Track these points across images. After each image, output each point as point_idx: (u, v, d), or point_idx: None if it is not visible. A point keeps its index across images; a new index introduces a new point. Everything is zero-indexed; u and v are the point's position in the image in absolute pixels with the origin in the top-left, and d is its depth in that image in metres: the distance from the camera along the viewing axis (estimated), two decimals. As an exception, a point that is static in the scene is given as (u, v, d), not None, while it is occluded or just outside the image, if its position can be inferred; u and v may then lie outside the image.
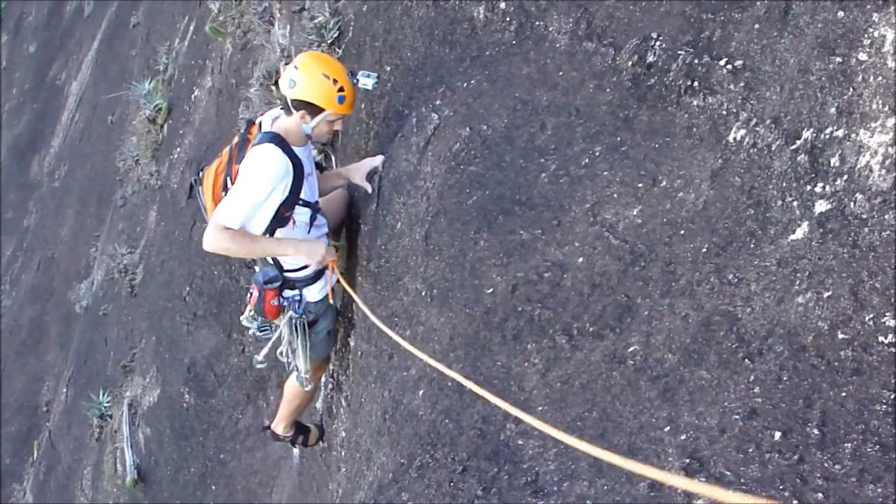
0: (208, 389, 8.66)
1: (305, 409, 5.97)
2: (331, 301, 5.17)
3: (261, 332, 5.16)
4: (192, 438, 8.77)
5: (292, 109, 4.56)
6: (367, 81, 4.67)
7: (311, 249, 4.78)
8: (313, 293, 5.07)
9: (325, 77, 4.51)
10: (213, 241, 4.51)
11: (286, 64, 4.61)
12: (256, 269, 5.16)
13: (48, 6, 21.85)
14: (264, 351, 5.28)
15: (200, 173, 4.81)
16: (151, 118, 12.18)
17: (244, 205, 4.47)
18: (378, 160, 4.99)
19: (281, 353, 5.27)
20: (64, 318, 14.22)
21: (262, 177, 4.48)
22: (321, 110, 4.56)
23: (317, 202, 4.87)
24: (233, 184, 4.57)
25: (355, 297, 4.86)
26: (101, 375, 11.56)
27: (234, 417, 8.18)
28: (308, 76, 4.51)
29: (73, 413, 12.21)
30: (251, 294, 5.01)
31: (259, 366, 5.40)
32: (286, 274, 4.95)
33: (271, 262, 4.95)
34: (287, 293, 5.00)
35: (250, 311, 5.06)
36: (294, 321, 5.07)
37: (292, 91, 4.51)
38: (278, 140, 4.55)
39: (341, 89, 4.54)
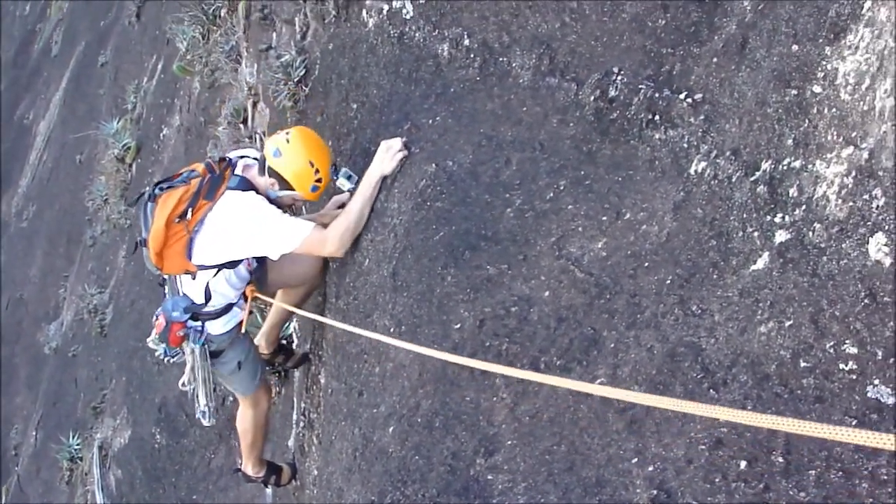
0: (180, 430, 8.59)
1: (264, 442, 5.95)
2: (242, 331, 5.21)
3: (170, 357, 5.13)
4: (164, 479, 8.69)
5: (266, 173, 4.63)
6: (345, 183, 4.78)
7: (386, 161, 4.69)
8: (216, 326, 5.07)
9: (310, 165, 4.61)
10: (298, 247, 4.65)
11: (278, 132, 4.68)
12: (167, 291, 5.12)
13: (15, 45, 21.80)
14: (183, 377, 5.28)
15: (158, 190, 4.75)
16: (120, 157, 12.18)
17: (281, 223, 4.61)
18: (345, 198, 5.01)
19: (182, 384, 5.27)
20: (33, 360, 14.08)
21: (262, 206, 4.61)
22: (292, 188, 4.66)
23: None
24: (193, 215, 4.60)
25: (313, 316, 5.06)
26: (71, 417, 11.45)
27: (206, 457, 8.11)
28: (295, 156, 4.61)
29: (42, 456, 12.06)
30: (157, 320, 4.99)
31: (183, 388, 5.37)
32: (194, 307, 4.96)
33: (182, 293, 4.96)
34: (190, 322, 4.98)
35: (156, 335, 5.02)
36: (195, 350, 5.08)
37: (274, 160, 4.61)
38: (254, 190, 4.68)
39: (319, 180, 4.66)
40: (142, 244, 4.82)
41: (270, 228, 4.59)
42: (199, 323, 5.00)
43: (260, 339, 5.90)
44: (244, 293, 5.09)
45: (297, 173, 4.62)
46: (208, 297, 4.88)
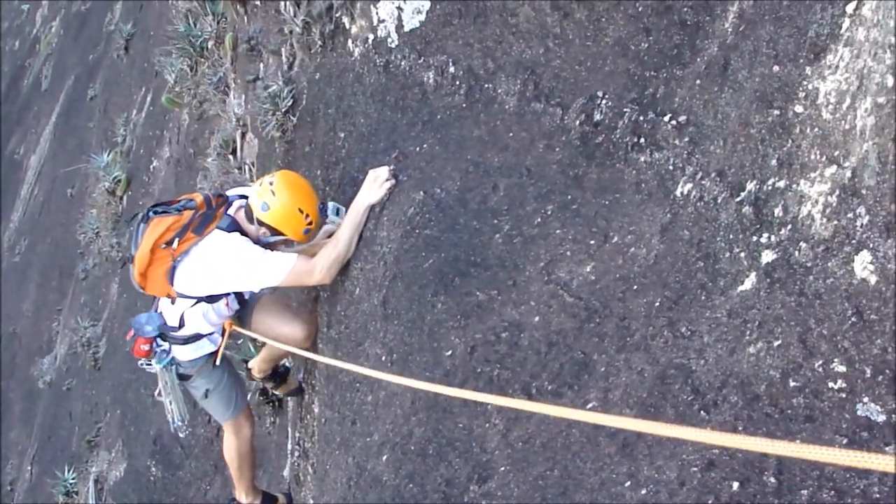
0: (175, 461, 8.55)
1: (253, 470, 5.97)
2: (216, 363, 5.28)
3: (141, 365, 5.29)
4: (161, 512, 8.64)
5: (255, 223, 4.68)
6: (335, 219, 4.83)
7: (373, 190, 4.65)
8: (184, 352, 5.15)
9: (300, 212, 4.65)
10: (285, 280, 4.70)
11: (262, 183, 4.72)
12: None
13: (5, 80, 21.85)
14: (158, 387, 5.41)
15: (153, 213, 4.84)
16: (111, 190, 12.18)
17: (265, 260, 4.65)
18: (334, 229, 5.02)
19: (158, 393, 5.40)
20: (27, 395, 14.01)
21: (246, 247, 4.67)
22: (283, 235, 4.72)
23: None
24: (180, 245, 4.66)
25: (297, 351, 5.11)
26: (66, 451, 11.39)
27: (202, 489, 8.07)
28: (282, 207, 4.65)
29: (37, 491, 11.98)
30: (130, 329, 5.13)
31: (159, 398, 5.51)
32: (166, 328, 5.07)
33: (158, 310, 5.08)
34: (159, 341, 5.10)
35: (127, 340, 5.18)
36: (158, 369, 5.21)
37: (263, 213, 4.66)
38: (242, 233, 4.74)
39: (310, 223, 4.71)
40: (129, 261, 4.92)
41: (255, 267, 4.65)
42: (166, 344, 5.10)
43: (253, 365, 5.97)
44: (222, 326, 5.13)
45: (288, 222, 4.67)
46: (181, 324, 4.99)
